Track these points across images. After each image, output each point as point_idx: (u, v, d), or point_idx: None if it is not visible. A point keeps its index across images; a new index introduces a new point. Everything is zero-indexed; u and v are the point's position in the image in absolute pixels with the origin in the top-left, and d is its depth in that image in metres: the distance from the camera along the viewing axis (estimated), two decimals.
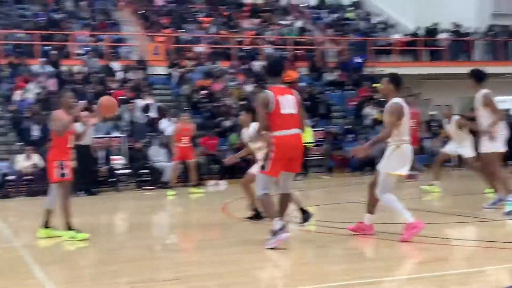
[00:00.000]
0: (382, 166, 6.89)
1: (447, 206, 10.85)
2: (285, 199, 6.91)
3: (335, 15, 28.31)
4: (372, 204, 7.13)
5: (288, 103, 6.63)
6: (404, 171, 6.91)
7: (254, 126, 8.06)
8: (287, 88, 6.86)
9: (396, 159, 6.81)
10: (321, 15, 28.39)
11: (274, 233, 6.48)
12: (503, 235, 7.50)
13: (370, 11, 29.33)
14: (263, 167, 6.68)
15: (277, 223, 6.48)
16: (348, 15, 28.52)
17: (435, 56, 25.65)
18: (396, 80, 6.94)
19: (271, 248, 6.42)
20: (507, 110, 20.79)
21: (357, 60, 23.82)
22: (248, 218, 8.84)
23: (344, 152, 18.65)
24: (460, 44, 25.90)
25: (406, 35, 26.50)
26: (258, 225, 8.60)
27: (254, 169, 8.52)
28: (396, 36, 26.26)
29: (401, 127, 6.77)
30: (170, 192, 13.78)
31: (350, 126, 19.98)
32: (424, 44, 25.46)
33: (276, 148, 6.54)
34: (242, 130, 9.16)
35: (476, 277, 5.21)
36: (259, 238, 7.35)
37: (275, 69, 6.93)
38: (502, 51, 26.16)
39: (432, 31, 25.98)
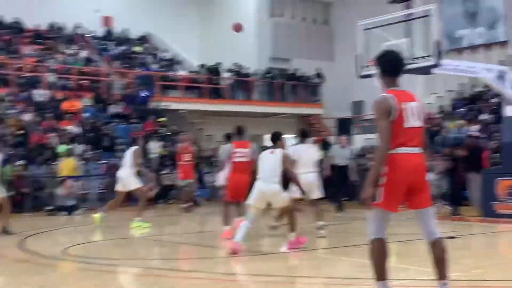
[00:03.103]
0: None
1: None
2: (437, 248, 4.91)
3: (122, 48, 28.19)
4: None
5: (414, 113, 4.84)
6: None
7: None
8: (410, 92, 4.98)
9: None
10: (108, 46, 28.10)
11: None
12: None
13: (157, 46, 29.71)
14: (374, 198, 4.78)
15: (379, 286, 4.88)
16: (136, 48, 28.58)
17: (218, 93, 26.69)
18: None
19: None
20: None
21: (143, 94, 23.90)
22: None
23: None
24: (241, 83, 27.26)
25: (191, 72, 27.23)
26: None
27: None
28: (182, 72, 26.88)
29: None
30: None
31: None
32: (207, 81, 26.35)
33: (391, 170, 4.75)
34: None
35: None
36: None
37: (393, 64, 4.96)
38: (279, 93, 28.03)
39: (215, 70, 27.02)
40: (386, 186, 4.71)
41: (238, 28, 16.25)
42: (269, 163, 8.70)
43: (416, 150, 4.80)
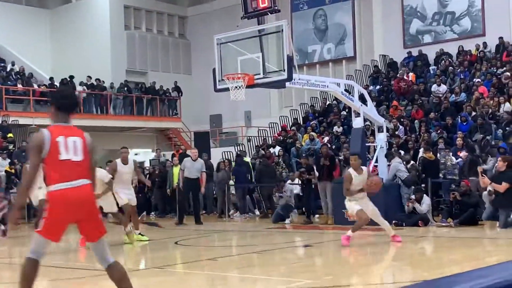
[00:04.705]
0: None
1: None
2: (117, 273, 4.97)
3: None
4: None
5: (74, 147, 4.90)
6: None
7: None
8: (75, 128, 5.07)
9: None
10: None
11: None
12: None
13: (4, 58, 28.09)
14: (37, 225, 5.01)
15: None
16: None
17: None
18: None
19: None
20: (141, 162, 21.81)
21: None
22: None
23: None
24: (96, 97, 26.46)
25: (42, 85, 25.97)
26: None
27: None
28: (32, 86, 25.54)
29: None
30: None
31: None
32: None
33: (52, 207, 4.80)
34: None
35: None
36: None
37: (65, 100, 5.01)
38: (136, 106, 27.54)
39: (68, 83, 26.01)
40: (47, 220, 4.77)
41: None
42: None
43: (77, 184, 4.79)
